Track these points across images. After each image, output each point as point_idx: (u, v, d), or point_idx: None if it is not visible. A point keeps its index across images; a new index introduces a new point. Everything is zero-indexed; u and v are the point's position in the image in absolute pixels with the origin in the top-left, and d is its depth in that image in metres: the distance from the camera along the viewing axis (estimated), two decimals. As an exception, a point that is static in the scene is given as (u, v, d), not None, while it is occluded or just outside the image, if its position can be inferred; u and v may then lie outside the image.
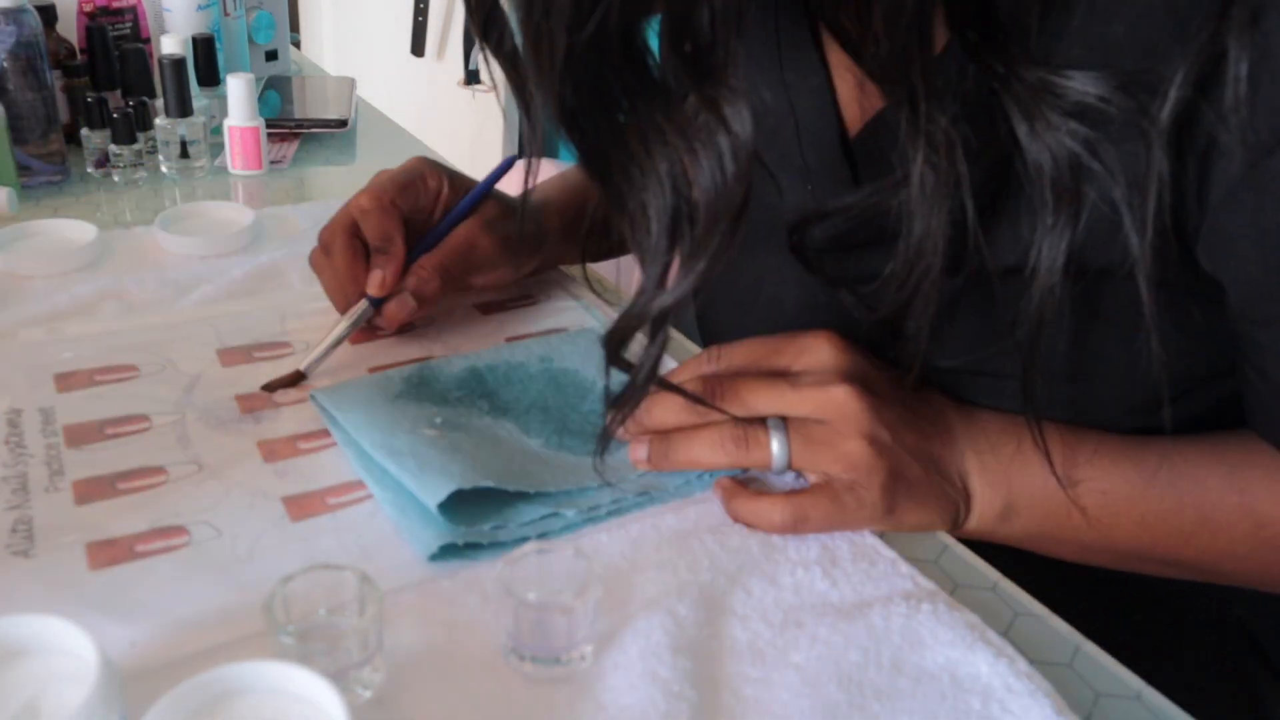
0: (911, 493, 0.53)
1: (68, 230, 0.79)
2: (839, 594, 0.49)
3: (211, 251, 0.78)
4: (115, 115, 0.89)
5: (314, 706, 0.37)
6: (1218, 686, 0.67)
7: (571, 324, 0.71)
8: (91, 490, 0.53)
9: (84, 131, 0.91)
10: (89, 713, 0.35)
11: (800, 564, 0.51)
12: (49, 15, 0.92)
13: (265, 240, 0.81)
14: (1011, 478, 0.56)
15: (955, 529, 0.56)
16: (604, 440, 0.54)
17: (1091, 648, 0.48)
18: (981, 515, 0.56)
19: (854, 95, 0.60)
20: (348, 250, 0.67)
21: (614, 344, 0.50)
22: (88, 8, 0.95)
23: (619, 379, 0.52)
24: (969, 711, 0.43)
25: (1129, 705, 0.46)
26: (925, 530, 0.55)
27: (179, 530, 0.51)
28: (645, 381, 0.50)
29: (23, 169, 0.87)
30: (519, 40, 0.46)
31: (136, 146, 0.91)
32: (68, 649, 0.38)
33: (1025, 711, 0.43)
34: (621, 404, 0.51)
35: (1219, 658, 0.68)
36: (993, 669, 0.45)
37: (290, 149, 1.03)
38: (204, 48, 1.02)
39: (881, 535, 0.54)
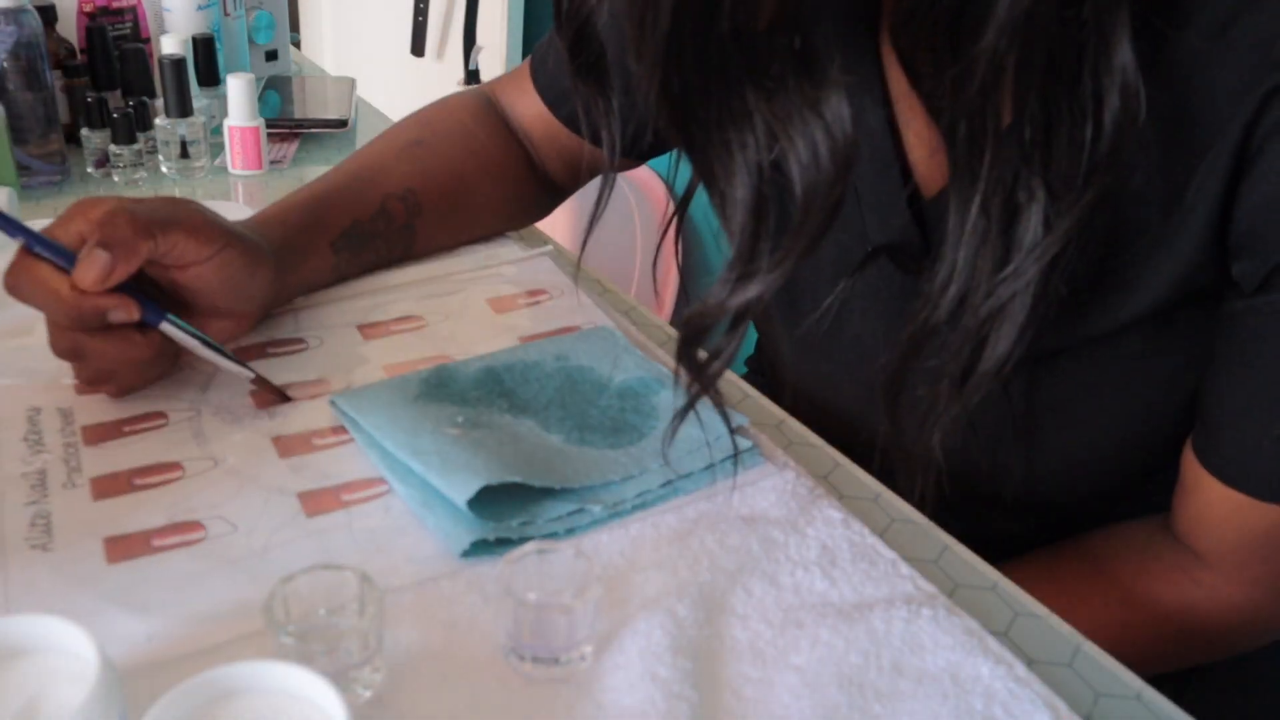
0: None
1: (68, 230, 0.79)
2: (839, 594, 0.49)
3: (211, 251, 0.78)
4: (115, 115, 0.89)
5: (314, 706, 0.37)
6: (1218, 687, 0.67)
7: (584, 322, 0.72)
8: (109, 486, 0.53)
9: (84, 131, 0.91)
10: (89, 713, 0.35)
11: (800, 564, 0.51)
12: (49, 15, 0.92)
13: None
14: None
15: None
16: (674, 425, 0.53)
17: (1091, 648, 0.48)
18: None
19: (924, 151, 0.58)
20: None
21: (690, 337, 0.49)
22: (88, 8, 0.95)
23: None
24: (971, 712, 0.43)
25: (1129, 705, 0.46)
26: None
27: (195, 525, 0.51)
28: (711, 379, 0.50)
29: (23, 169, 0.87)
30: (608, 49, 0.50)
31: (136, 146, 0.91)
32: (68, 649, 0.38)
33: (1028, 717, 0.43)
34: (690, 402, 0.51)
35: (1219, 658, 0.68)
36: (993, 673, 0.45)
37: (290, 149, 1.03)
38: (204, 48, 1.02)
39: (881, 535, 0.54)
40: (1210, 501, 0.57)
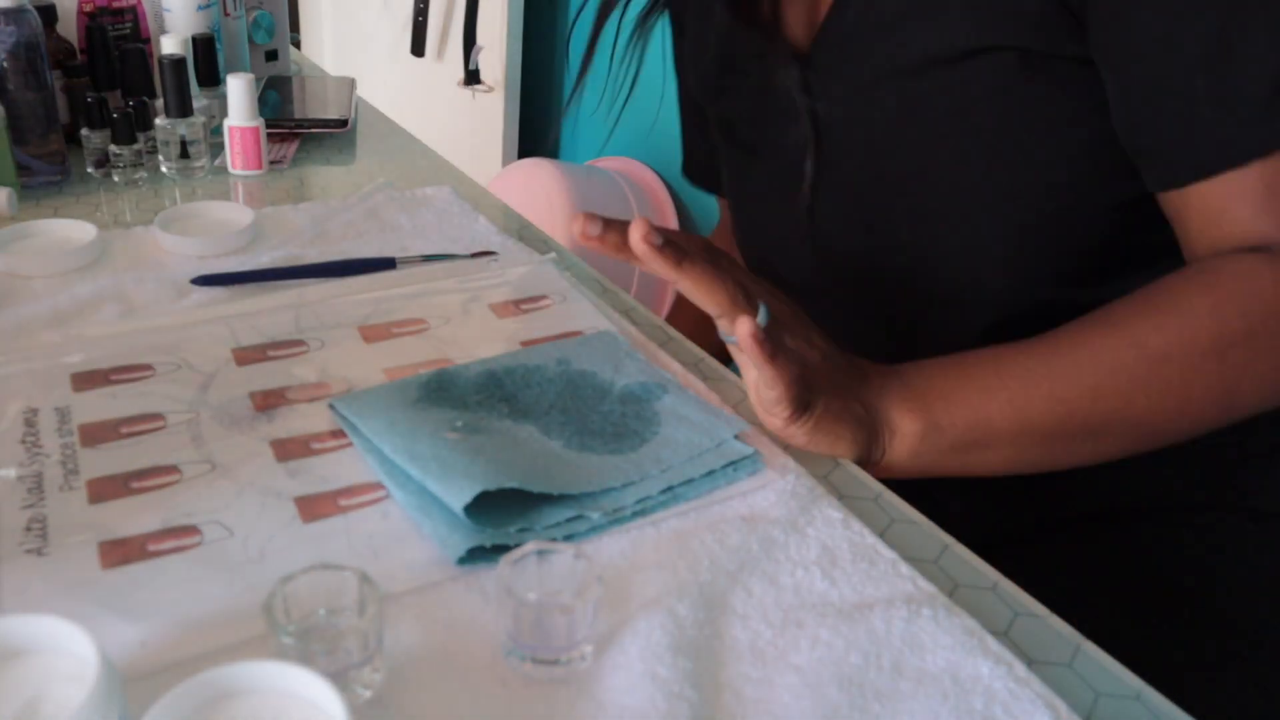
0: (830, 412, 0.58)
1: (68, 230, 0.79)
2: (839, 593, 0.49)
3: (211, 251, 0.78)
4: (115, 115, 0.89)
5: (314, 706, 0.37)
6: (1216, 685, 0.67)
7: (586, 327, 0.72)
8: (105, 489, 0.53)
9: (84, 131, 0.91)
10: (89, 713, 0.35)
11: (800, 564, 0.51)
12: (49, 15, 0.92)
13: (265, 240, 0.81)
14: (929, 398, 0.59)
15: (872, 459, 0.60)
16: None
17: (1091, 648, 0.48)
18: (905, 438, 0.59)
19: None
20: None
21: None
22: (88, 8, 0.95)
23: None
24: (971, 712, 0.43)
25: (1129, 705, 0.46)
26: (838, 455, 0.59)
27: (191, 530, 0.51)
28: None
29: (23, 169, 0.87)
30: None
31: (136, 146, 0.91)
32: (68, 649, 0.38)
33: (1028, 716, 0.43)
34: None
35: (1217, 657, 0.68)
36: (993, 673, 0.45)
37: (290, 149, 1.03)
38: (204, 48, 1.02)
39: (881, 535, 0.54)
40: (1216, 200, 0.59)
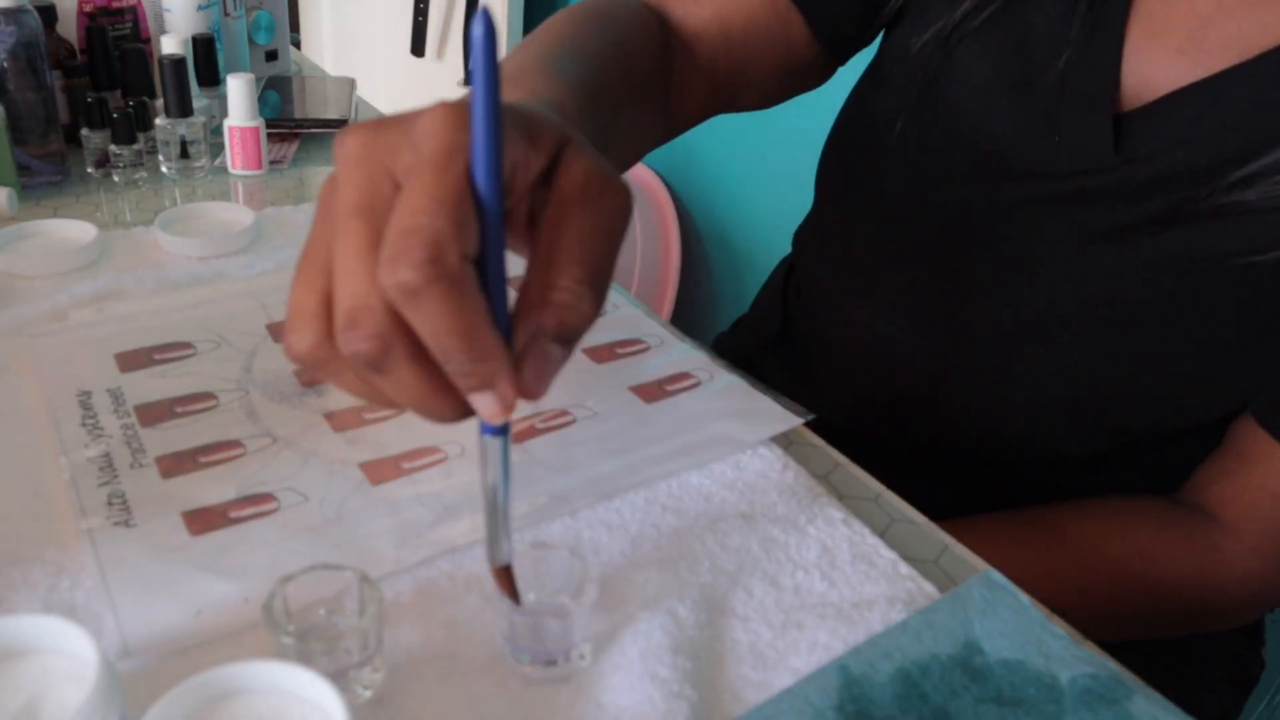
0: None
1: (68, 230, 0.79)
2: (839, 594, 0.49)
3: (211, 252, 0.78)
4: (115, 115, 0.89)
5: (314, 706, 0.37)
6: (1216, 685, 0.67)
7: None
8: (175, 465, 0.55)
9: (84, 131, 0.90)
10: (89, 713, 0.35)
11: (801, 565, 0.51)
12: (49, 15, 0.92)
13: (265, 241, 0.81)
14: None
15: None
16: None
17: (1091, 647, 0.48)
18: None
19: (1149, 62, 0.60)
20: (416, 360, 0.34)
21: None
22: (88, 8, 0.95)
23: None
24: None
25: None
26: None
27: (266, 498, 0.53)
28: None
29: (23, 169, 0.87)
30: None
31: (136, 146, 0.91)
32: (68, 649, 0.38)
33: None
34: None
35: (1217, 656, 0.68)
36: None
37: (290, 149, 1.02)
38: (204, 48, 1.02)
39: (882, 535, 0.54)
40: (1271, 472, 0.59)
